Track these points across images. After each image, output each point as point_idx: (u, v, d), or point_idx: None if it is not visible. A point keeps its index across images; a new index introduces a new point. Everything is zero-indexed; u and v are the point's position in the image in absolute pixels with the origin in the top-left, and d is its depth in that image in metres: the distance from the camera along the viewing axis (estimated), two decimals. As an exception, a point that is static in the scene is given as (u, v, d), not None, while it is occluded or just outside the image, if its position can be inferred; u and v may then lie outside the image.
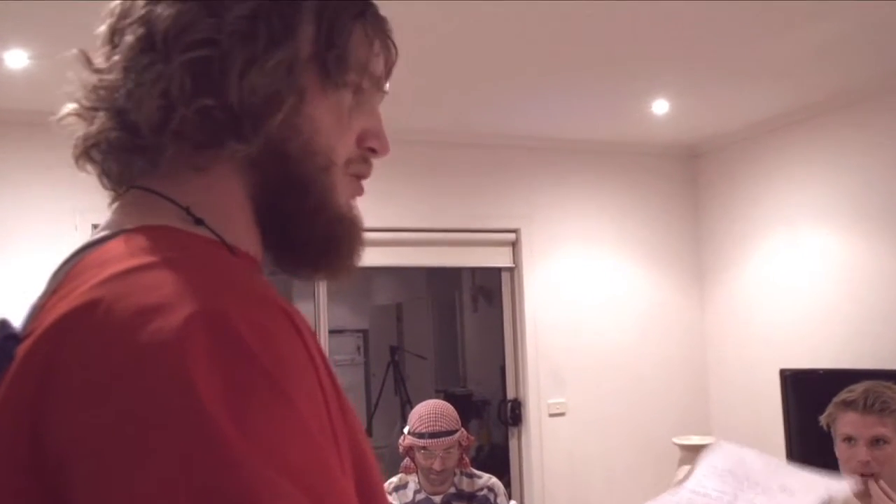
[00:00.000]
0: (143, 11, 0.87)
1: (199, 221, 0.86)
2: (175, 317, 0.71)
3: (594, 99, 5.10)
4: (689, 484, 1.99)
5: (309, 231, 0.93)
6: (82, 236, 4.39)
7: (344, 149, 0.95)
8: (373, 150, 0.98)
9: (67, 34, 3.70)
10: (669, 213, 6.25)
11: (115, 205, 0.92)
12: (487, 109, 5.23)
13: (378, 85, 0.98)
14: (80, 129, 0.91)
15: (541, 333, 5.82)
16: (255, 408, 0.69)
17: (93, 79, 0.90)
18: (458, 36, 4.03)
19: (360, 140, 0.97)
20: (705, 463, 2.01)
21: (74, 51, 0.92)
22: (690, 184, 6.34)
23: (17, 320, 0.83)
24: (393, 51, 0.99)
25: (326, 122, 0.92)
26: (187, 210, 0.86)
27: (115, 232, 0.85)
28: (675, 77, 4.75)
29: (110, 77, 0.87)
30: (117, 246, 0.82)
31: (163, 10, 0.86)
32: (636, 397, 6.00)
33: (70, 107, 0.92)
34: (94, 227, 4.44)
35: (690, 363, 6.19)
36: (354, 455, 0.81)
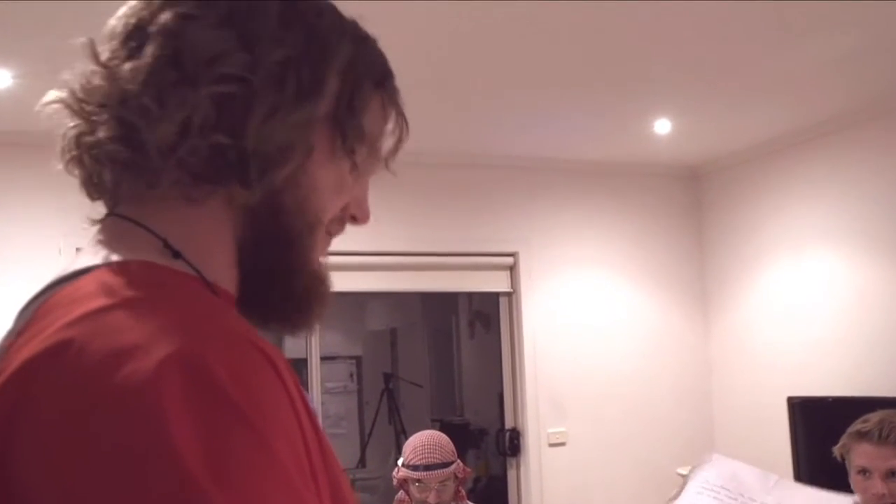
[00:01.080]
0: (173, 25, 0.87)
1: (176, 254, 0.86)
2: (150, 359, 0.70)
3: (594, 118, 5.11)
4: (683, 501, 1.97)
5: (289, 286, 0.94)
6: (66, 260, 4.37)
7: (333, 212, 0.97)
8: (354, 218, 1.01)
9: (53, 53, 3.70)
10: (672, 235, 6.25)
11: (92, 234, 0.91)
12: (484, 129, 5.23)
13: (379, 160, 1.00)
14: (66, 120, 0.90)
15: (540, 360, 5.80)
16: (232, 454, 0.69)
17: (96, 72, 0.88)
18: (453, 54, 4.03)
19: (346, 206, 0.99)
20: (698, 478, 1.99)
21: (83, 39, 0.90)
22: (693, 205, 6.35)
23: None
24: (406, 130, 1.01)
25: (326, 183, 0.93)
26: (165, 242, 0.86)
27: (87, 267, 0.84)
28: (677, 95, 4.76)
29: (122, 82, 0.86)
30: (89, 283, 0.80)
31: (197, 32, 0.86)
32: (639, 426, 5.98)
33: (58, 94, 0.90)
34: (78, 250, 4.41)
35: (695, 391, 6.18)
36: (334, 498, 0.81)
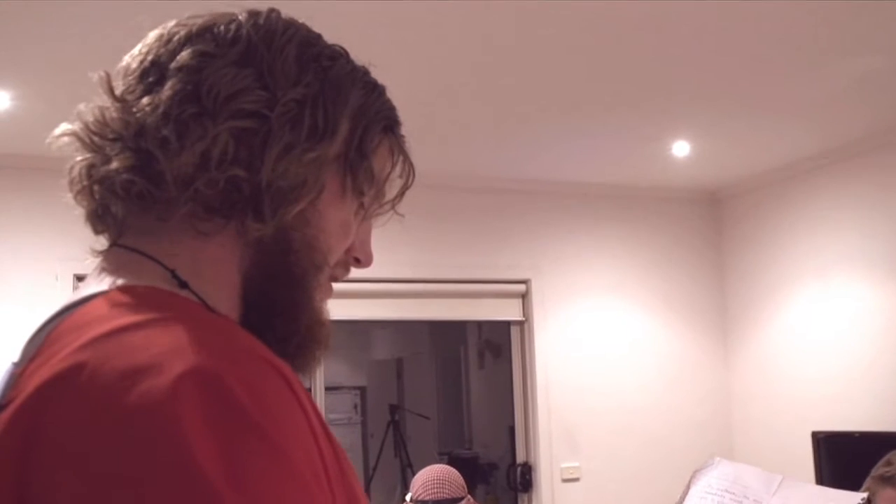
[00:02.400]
0: (193, 63, 0.91)
1: (183, 285, 0.89)
2: (165, 377, 0.72)
3: (610, 140, 5.12)
4: None
5: (292, 326, 0.97)
6: (64, 287, 4.36)
7: (339, 253, 1.02)
8: (357, 261, 1.06)
9: (54, 74, 3.73)
10: (691, 262, 6.25)
11: (96, 264, 0.94)
12: (495, 151, 5.24)
13: (384, 204, 1.06)
14: (75, 153, 0.93)
15: (553, 392, 5.79)
16: (252, 466, 0.72)
17: (110, 106, 0.92)
18: (465, 77, 4.05)
19: (350, 248, 1.04)
20: (701, 482, 1.99)
21: (101, 72, 0.94)
22: (713, 231, 6.34)
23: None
24: (412, 176, 1.07)
25: (334, 223, 0.98)
26: (173, 272, 0.89)
27: (96, 293, 0.86)
28: (696, 116, 4.77)
29: (140, 116, 0.89)
30: (99, 307, 0.83)
31: (217, 70, 0.91)
32: (656, 461, 5.95)
33: (69, 126, 0.94)
34: (77, 277, 4.40)
35: (714, 424, 6.15)
36: None
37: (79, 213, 0.95)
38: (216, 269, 0.92)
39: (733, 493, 1.91)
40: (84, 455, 0.70)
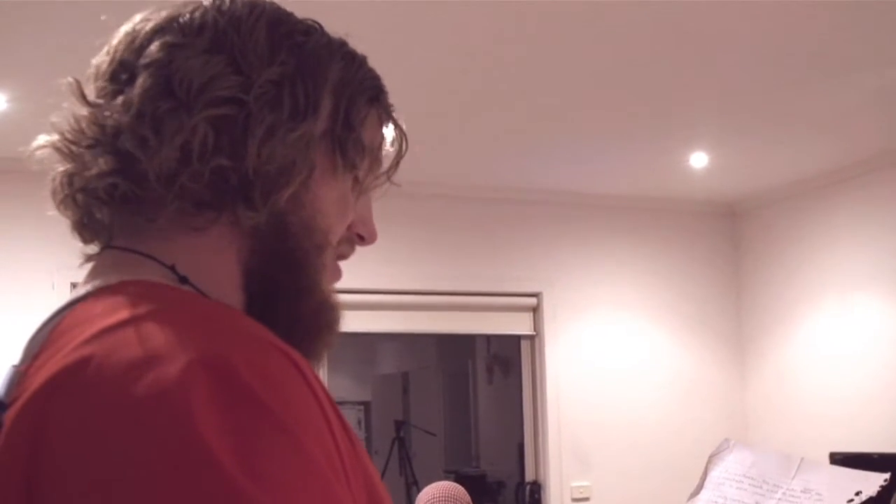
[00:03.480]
0: (160, 55, 0.90)
1: (183, 279, 0.89)
2: (173, 366, 0.73)
3: (625, 151, 5.12)
4: (705, 495, 1.96)
5: (297, 311, 0.96)
6: (60, 296, 4.38)
7: (340, 231, 1.01)
8: (360, 237, 1.06)
9: (51, 76, 3.73)
10: (707, 276, 6.24)
11: (91, 265, 0.94)
12: (507, 161, 5.25)
13: (380, 174, 1.05)
14: (56, 164, 0.93)
15: (564, 408, 5.78)
16: (265, 451, 0.72)
17: (84, 112, 0.92)
18: (475, 82, 4.05)
19: (351, 225, 1.03)
20: (719, 468, 1.99)
21: (70, 79, 0.94)
22: (730, 245, 6.33)
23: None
24: (405, 143, 1.06)
25: (331, 201, 0.98)
26: (172, 268, 0.89)
27: (97, 289, 0.87)
28: (715, 128, 4.77)
29: (115, 117, 0.89)
30: (101, 301, 0.83)
31: (187, 59, 0.90)
32: (669, 481, 5.92)
33: (47, 138, 0.94)
34: (73, 285, 4.43)
35: (730, 444, 6.12)
36: (368, 492, 0.84)
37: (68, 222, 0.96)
38: (215, 263, 0.92)
39: (752, 478, 1.91)
40: (94, 448, 0.71)
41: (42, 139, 0.94)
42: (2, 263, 4.80)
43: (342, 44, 1.01)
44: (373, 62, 1.04)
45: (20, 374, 0.82)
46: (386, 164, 1.05)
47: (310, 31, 0.98)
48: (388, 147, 1.05)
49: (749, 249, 6.26)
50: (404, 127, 1.06)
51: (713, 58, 3.85)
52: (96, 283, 0.88)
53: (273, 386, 0.75)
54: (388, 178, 1.06)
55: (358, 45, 1.04)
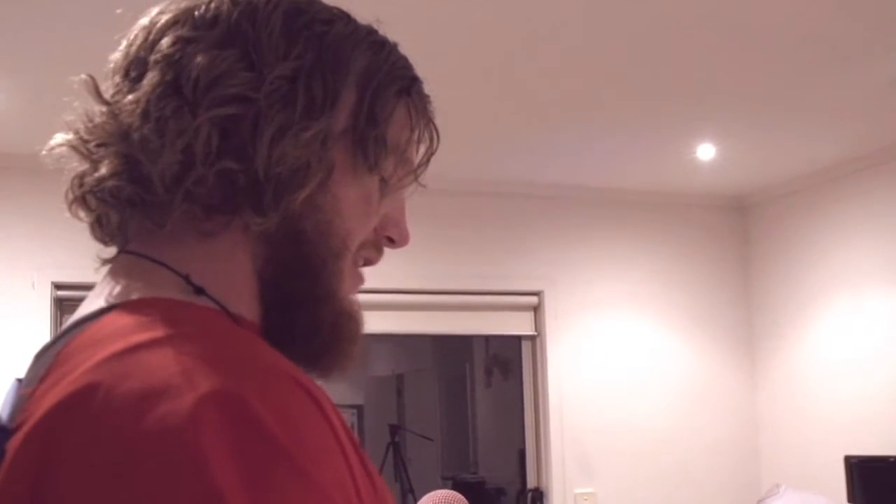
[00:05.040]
0: (170, 51, 0.90)
1: (199, 290, 0.88)
2: (184, 399, 0.72)
3: (629, 143, 5.12)
4: None
5: (315, 320, 0.95)
6: (41, 296, 4.34)
7: (362, 235, 0.99)
8: (390, 240, 1.04)
9: (36, 71, 3.74)
10: (715, 273, 6.24)
11: (105, 273, 0.94)
12: (505, 154, 5.24)
13: (411, 173, 1.03)
14: (73, 162, 0.93)
15: (567, 412, 5.78)
16: (279, 494, 0.71)
17: (100, 111, 0.91)
18: (474, 73, 4.05)
19: (379, 227, 1.02)
20: None
21: (83, 76, 0.94)
22: (740, 240, 6.34)
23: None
24: (435, 139, 1.04)
25: (351, 203, 0.96)
26: (186, 278, 0.88)
27: (107, 307, 0.86)
28: (722, 118, 4.77)
29: (123, 116, 0.89)
30: (112, 322, 0.82)
31: (195, 55, 0.89)
32: (677, 488, 5.94)
33: (65, 137, 0.93)
34: (55, 285, 4.40)
35: (740, 448, 6.14)
36: None
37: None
38: (229, 270, 0.91)
39: None
40: (100, 485, 0.70)
41: (59, 138, 0.93)
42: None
43: (370, 31, 0.99)
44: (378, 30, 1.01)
45: (25, 398, 0.81)
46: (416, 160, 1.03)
47: (332, 20, 0.96)
48: (416, 142, 1.03)
49: (758, 245, 6.26)
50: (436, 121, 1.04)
51: (719, 45, 3.85)
52: (107, 297, 0.88)
53: (289, 424, 0.75)
54: (416, 178, 1.04)
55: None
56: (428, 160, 1.04)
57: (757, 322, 6.24)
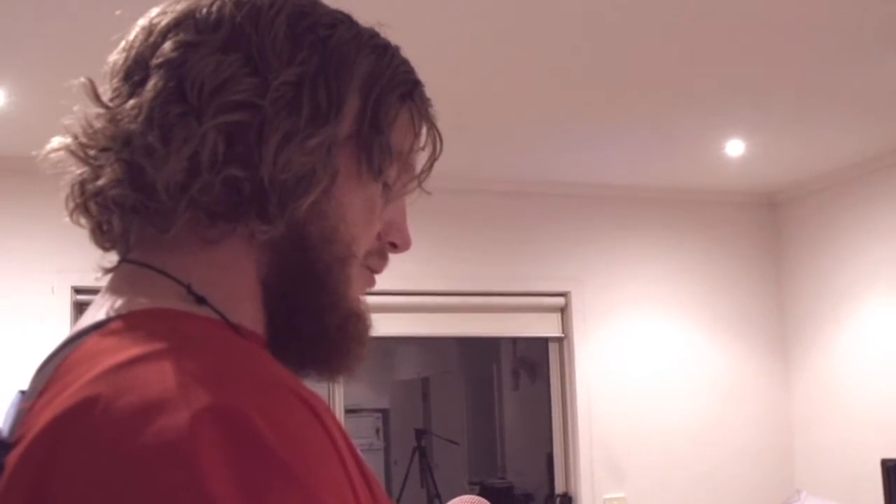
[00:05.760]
0: (174, 55, 0.90)
1: (200, 300, 0.89)
2: (182, 413, 0.72)
3: (656, 139, 5.10)
4: None
5: (321, 326, 0.96)
6: (60, 300, 4.36)
7: (367, 241, 1.00)
8: (393, 245, 1.05)
9: (52, 71, 3.75)
10: (747, 272, 6.22)
11: (106, 282, 0.94)
12: (531, 152, 5.24)
13: (413, 179, 1.04)
14: (70, 167, 0.93)
15: (595, 415, 5.77)
16: None
17: (98, 115, 0.92)
18: (497, 69, 4.05)
19: (382, 233, 1.03)
20: None
21: (82, 79, 0.94)
22: (771, 237, 6.31)
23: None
24: (438, 144, 1.04)
25: (355, 209, 0.97)
26: (188, 288, 0.89)
27: (107, 319, 0.87)
28: (751, 112, 4.75)
29: (125, 122, 0.89)
30: (111, 335, 0.83)
31: (200, 60, 0.89)
32: (709, 492, 5.92)
33: (61, 140, 0.93)
34: (75, 289, 4.42)
35: (773, 451, 6.11)
36: None
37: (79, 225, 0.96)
38: (233, 278, 0.92)
39: None
40: (98, 498, 0.71)
41: (56, 141, 0.94)
42: (0, 265, 4.82)
43: (372, 35, 1.00)
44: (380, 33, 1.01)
45: (24, 412, 0.82)
46: (419, 165, 1.04)
47: (335, 24, 0.97)
48: (420, 149, 1.03)
49: (791, 242, 6.23)
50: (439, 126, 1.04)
51: (747, 38, 3.82)
52: (107, 309, 0.88)
53: (287, 436, 0.75)
54: (420, 184, 1.05)
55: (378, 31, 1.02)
56: (431, 166, 1.04)
57: (790, 321, 6.21)
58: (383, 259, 1.05)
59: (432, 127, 1.04)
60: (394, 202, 1.02)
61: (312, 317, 0.96)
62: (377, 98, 0.97)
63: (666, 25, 3.70)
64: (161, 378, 0.75)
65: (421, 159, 1.04)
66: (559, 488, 5.89)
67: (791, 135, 5.11)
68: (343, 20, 0.98)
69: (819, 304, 5.98)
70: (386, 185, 0.99)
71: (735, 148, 5.25)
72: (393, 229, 1.04)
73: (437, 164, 1.05)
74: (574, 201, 5.88)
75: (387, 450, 10.29)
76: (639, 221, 6.04)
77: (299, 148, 0.89)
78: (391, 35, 1.03)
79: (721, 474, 5.96)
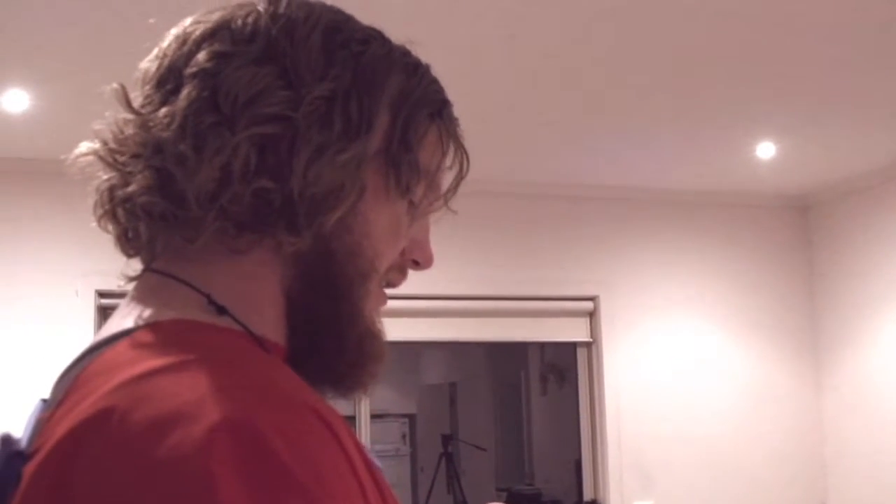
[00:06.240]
0: (209, 65, 0.91)
1: (221, 310, 0.90)
2: (197, 427, 0.73)
3: (687, 141, 5.09)
4: None
5: (342, 340, 0.97)
6: (84, 304, 4.40)
7: (390, 257, 1.02)
8: (415, 263, 1.07)
9: (77, 74, 3.79)
10: (778, 276, 6.19)
11: (129, 292, 0.95)
12: (559, 154, 5.24)
13: (439, 197, 1.05)
14: (98, 172, 0.94)
15: (624, 421, 5.76)
16: None
17: (129, 121, 0.92)
18: (525, 69, 4.05)
19: (406, 250, 1.04)
20: None
21: (115, 84, 0.94)
22: (802, 241, 6.28)
23: (4, 390, 0.85)
24: (466, 163, 1.05)
25: (380, 225, 0.98)
26: (208, 298, 0.90)
27: (125, 330, 0.87)
28: (783, 114, 4.73)
29: (157, 129, 0.90)
30: (129, 347, 0.84)
31: (234, 71, 0.90)
32: (739, 499, 5.89)
33: (90, 145, 0.94)
34: (99, 293, 4.44)
35: (805, 459, 6.08)
36: None
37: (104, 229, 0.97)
38: (256, 289, 0.93)
39: None
40: None
41: (84, 146, 0.95)
42: (25, 269, 4.85)
43: (404, 53, 1.02)
44: (417, 50, 1.03)
45: (43, 422, 0.83)
46: (445, 184, 1.05)
47: (368, 40, 0.98)
48: (448, 168, 1.04)
49: (823, 246, 6.20)
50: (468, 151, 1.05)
51: (781, 39, 3.81)
52: (128, 319, 0.89)
53: (302, 452, 0.75)
54: (446, 203, 1.06)
55: (396, 32, 1.03)
56: (457, 185, 1.06)
57: (822, 326, 6.18)
58: (403, 275, 1.06)
59: (460, 146, 1.05)
60: (418, 220, 1.03)
61: (333, 330, 0.97)
62: (407, 115, 0.98)
63: (695, 28, 3.69)
64: (177, 392, 0.76)
65: (447, 178, 1.05)
66: (587, 495, 5.87)
67: (823, 137, 5.08)
68: (376, 37, 1.00)
69: (852, 309, 5.94)
70: (412, 203, 1.00)
71: (766, 150, 5.24)
72: (416, 247, 1.05)
73: (469, 170, 1.06)
74: (603, 204, 5.87)
75: (413, 456, 10.29)
76: (668, 225, 6.02)
77: (330, 162, 0.90)
78: (426, 42, 1.03)
79: (752, 481, 5.94)
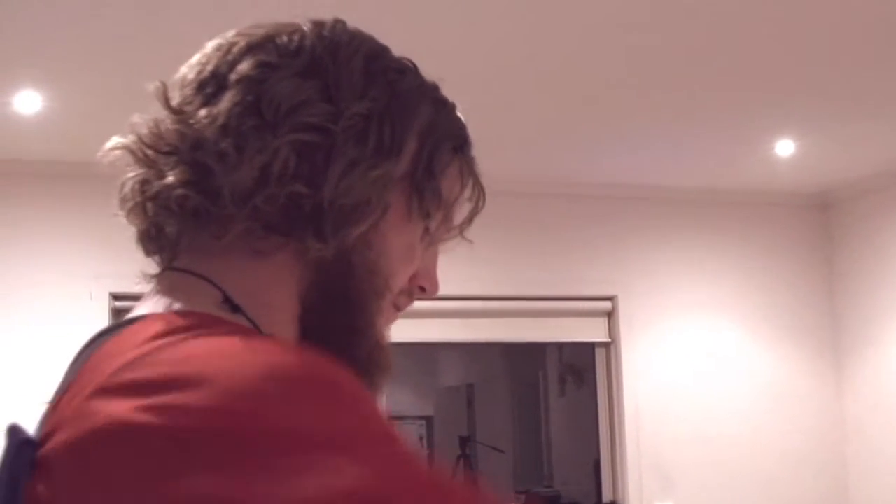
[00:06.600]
0: (254, 73, 0.96)
1: (235, 309, 0.93)
2: (206, 390, 0.75)
3: (705, 139, 5.08)
4: None
5: (353, 352, 1.00)
6: (99, 306, 4.41)
7: (403, 279, 1.06)
8: (422, 289, 1.10)
9: (90, 76, 3.81)
10: (798, 275, 6.17)
11: (149, 288, 0.98)
12: (576, 153, 5.24)
13: (451, 228, 1.11)
14: (126, 167, 0.96)
15: (643, 422, 5.75)
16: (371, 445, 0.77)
17: (167, 118, 0.95)
18: (541, 67, 4.05)
19: (414, 275, 1.08)
20: None
21: (156, 83, 0.98)
22: (822, 239, 6.26)
23: (17, 393, 0.85)
24: (482, 199, 1.11)
25: (398, 247, 1.03)
26: (224, 295, 0.93)
27: (139, 315, 0.90)
28: (802, 111, 4.72)
29: (198, 128, 0.94)
30: (140, 330, 0.85)
31: (279, 81, 0.95)
32: (760, 499, 5.88)
33: (121, 140, 0.97)
34: (113, 296, 4.45)
35: (827, 459, 6.06)
36: None
37: (114, 221, 0.98)
38: (272, 292, 0.96)
39: None
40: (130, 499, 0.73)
41: (116, 140, 0.98)
42: (38, 271, 4.86)
43: (434, 88, 1.07)
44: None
45: (54, 404, 0.84)
46: (460, 217, 1.10)
47: (404, 71, 1.04)
48: (465, 200, 1.09)
49: (844, 244, 6.18)
50: (484, 171, 1.10)
51: (800, 36, 3.80)
52: (142, 310, 0.92)
53: (352, 382, 0.82)
54: (461, 233, 1.12)
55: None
56: (471, 219, 1.11)
57: (843, 325, 6.16)
58: (410, 299, 1.10)
59: (478, 182, 1.10)
60: (430, 248, 1.09)
61: (345, 340, 1.00)
62: (433, 145, 1.03)
63: (714, 25, 3.68)
64: (185, 357, 0.79)
65: (461, 212, 1.10)
66: (606, 496, 5.88)
67: (843, 134, 5.07)
68: (410, 69, 1.05)
69: (872, 308, 5.93)
70: (427, 230, 1.05)
71: (785, 148, 5.23)
72: (424, 274, 1.09)
73: (484, 169, 1.10)
74: (621, 204, 5.86)
75: (430, 458, 10.28)
76: (687, 223, 6.01)
77: (362, 176, 0.95)
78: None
79: (772, 481, 5.92)
